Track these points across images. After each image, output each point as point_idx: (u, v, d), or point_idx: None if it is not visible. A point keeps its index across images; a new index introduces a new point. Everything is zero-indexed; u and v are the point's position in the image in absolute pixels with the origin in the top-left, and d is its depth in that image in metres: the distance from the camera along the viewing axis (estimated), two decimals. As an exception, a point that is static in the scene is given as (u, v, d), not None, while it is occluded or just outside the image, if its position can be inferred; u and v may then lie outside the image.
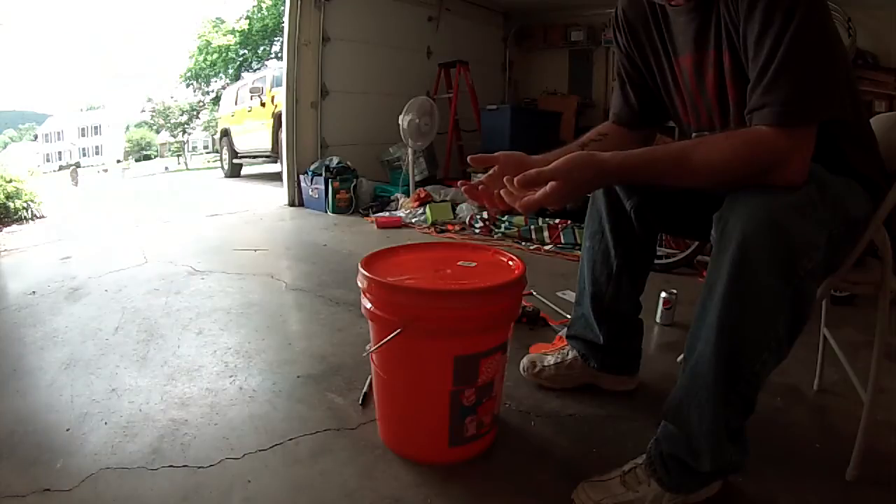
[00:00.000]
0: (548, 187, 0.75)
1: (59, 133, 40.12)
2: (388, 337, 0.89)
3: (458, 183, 0.94)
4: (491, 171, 0.92)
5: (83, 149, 38.82)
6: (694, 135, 0.97)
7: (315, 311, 1.81)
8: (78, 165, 21.03)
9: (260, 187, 5.97)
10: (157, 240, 2.97)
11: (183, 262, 2.39)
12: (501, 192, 0.82)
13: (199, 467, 0.97)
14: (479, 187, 0.89)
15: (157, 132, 33.97)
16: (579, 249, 2.22)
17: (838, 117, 0.72)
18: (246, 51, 18.78)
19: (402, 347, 0.93)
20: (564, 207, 2.92)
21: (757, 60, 0.73)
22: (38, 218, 3.93)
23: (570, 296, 1.91)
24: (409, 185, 3.84)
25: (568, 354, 1.27)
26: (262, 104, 6.35)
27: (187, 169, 20.50)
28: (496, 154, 0.92)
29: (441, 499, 0.91)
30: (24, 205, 3.88)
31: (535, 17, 5.64)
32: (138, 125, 36.73)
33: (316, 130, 4.10)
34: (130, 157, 34.94)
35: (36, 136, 42.82)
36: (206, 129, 29.15)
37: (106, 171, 24.54)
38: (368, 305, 0.95)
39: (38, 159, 35.41)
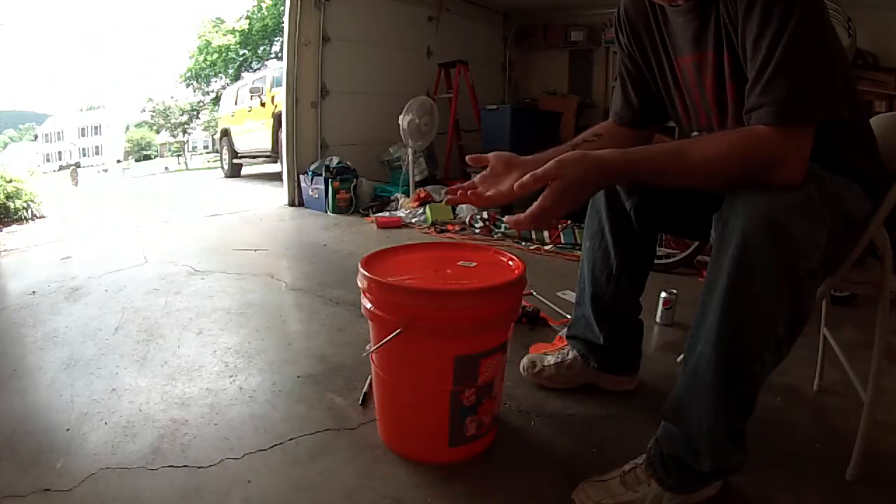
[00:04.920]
0: (546, 190, 0.75)
1: (59, 133, 40.14)
2: (389, 337, 0.89)
3: (444, 191, 0.98)
4: (484, 172, 0.94)
5: (83, 149, 38.85)
6: (694, 134, 0.97)
7: (315, 311, 1.81)
8: (78, 165, 21.03)
9: (260, 187, 5.97)
10: (157, 240, 2.97)
11: (183, 262, 2.39)
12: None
13: (199, 467, 0.97)
14: (458, 192, 0.93)
15: (157, 132, 33.97)
16: (579, 249, 2.22)
17: (836, 117, 0.72)
18: (246, 51, 18.80)
19: (402, 347, 0.93)
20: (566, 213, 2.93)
21: (755, 60, 0.73)
22: (38, 218, 3.93)
23: (570, 296, 1.91)
24: (409, 185, 3.84)
25: (568, 354, 1.27)
26: (262, 104, 6.35)
27: (187, 169, 20.52)
28: (488, 154, 0.95)
29: (441, 499, 0.91)
30: (24, 205, 3.88)
31: (535, 17, 5.64)
32: (138, 125, 36.74)
33: (316, 130, 4.10)
34: (130, 157, 34.97)
35: (36, 136, 42.86)
36: (206, 129, 29.17)
37: (106, 171, 24.58)
38: (368, 305, 0.95)
39: (38, 159, 35.47)
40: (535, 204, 0.76)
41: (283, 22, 4.01)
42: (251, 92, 6.63)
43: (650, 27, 0.97)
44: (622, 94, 1.09)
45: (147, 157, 34.97)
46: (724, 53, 0.83)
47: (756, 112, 0.73)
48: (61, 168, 28.61)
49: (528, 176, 0.76)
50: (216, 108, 15.11)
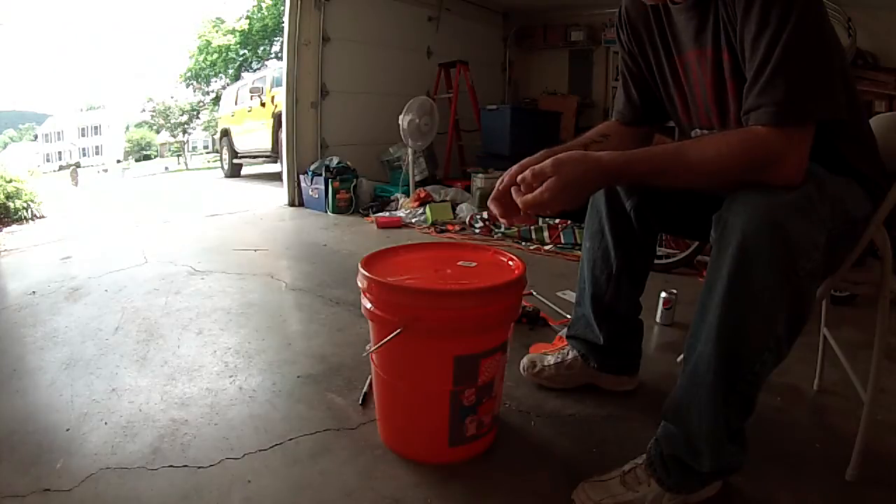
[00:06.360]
0: (543, 185, 0.76)
1: (59, 133, 40.15)
2: (389, 337, 0.89)
3: (489, 204, 0.91)
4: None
5: (83, 149, 38.86)
6: (694, 133, 0.97)
7: (315, 311, 1.81)
8: (78, 165, 20.98)
9: (260, 187, 5.97)
10: (157, 240, 2.97)
11: (183, 262, 2.39)
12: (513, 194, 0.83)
13: (199, 467, 0.97)
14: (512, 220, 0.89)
15: (157, 132, 33.97)
16: (579, 249, 2.22)
17: (834, 118, 0.72)
18: (246, 51, 18.78)
19: (402, 347, 0.93)
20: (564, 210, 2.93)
21: (753, 60, 0.73)
22: (38, 218, 3.92)
23: (570, 296, 1.91)
24: (409, 185, 3.84)
25: (568, 354, 1.27)
26: (262, 104, 6.34)
27: (187, 169, 20.50)
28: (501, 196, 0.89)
29: (441, 499, 0.91)
30: (24, 205, 3.88)
31: (535, 17, 5.64)
32: (138, 125, 36.73)
33: (316, 130, 4.10)
34: (130, 157, 34.98)
35: (36, 136, 42.88)
36: (206, 129, 29.16)
37: (106, 171, 24.57)
38: (368, 305, 0.95)
39: (38, 159, 35.43)
40: (532, 195, 0.78)
41: (283, 22, 4.00)
42: (251, 92, 6.63)
43: (650, 26, 0.97)
44: (624, 92, 1.10)
45: (147, 157, 34.97)
46: (723, 52, 0.83)
47: (755, 112, 0.73)
48: (61, 168, 28.59)
49: (528, 171, 0.78)
50: (216, 108, 15.11)
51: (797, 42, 0.69)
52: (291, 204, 4.11)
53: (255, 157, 6.99)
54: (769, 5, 0.70)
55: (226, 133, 7.59)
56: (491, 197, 0.89)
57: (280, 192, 4.25)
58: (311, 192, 3.90)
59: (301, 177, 4.00)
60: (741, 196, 0.72)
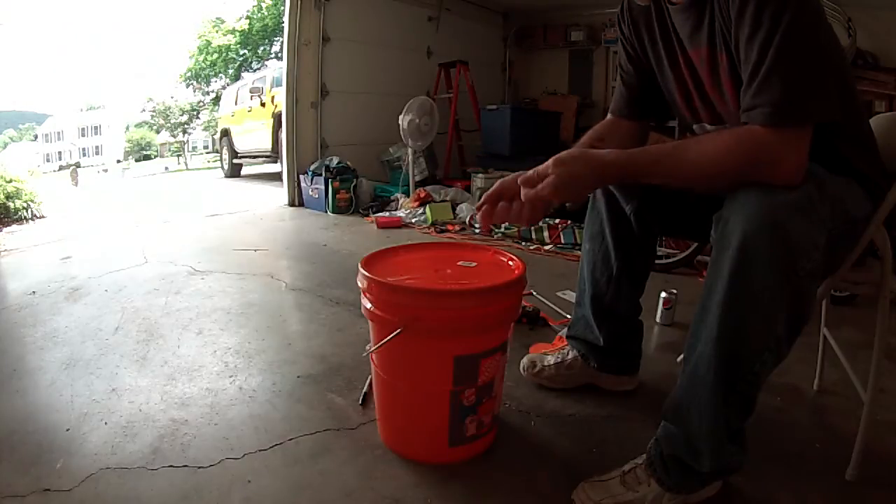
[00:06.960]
0: (543, 182, 0.79)
1: (59, 133, 40.17)
2: (389, 337, 0.89)
3: (474, 217, 0.96)
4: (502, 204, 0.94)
5: (83, 149, 38.87)
6: (694, 127, 0.97)
7: (315, 311, 1.81)
8: (78, 165, 20.95)
9: (260, 187, 5.97)
10: (157, 240, 2.97)
11: (183, 262, 2.39)
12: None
13: (199, 467, 0.97)
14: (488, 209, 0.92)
15: (157, 132, 33.97)
16: (579, 249, 2.22)
17: (830, 118, 0.72)
18: (246, 51, 18.79)
19: (402, 347, 0.93)
20: (564, 206, 2.93)
21: (748, 61, 0.73)
22: (38, 218, 3.92)
23: (570, 296, 1.91)
24: (409, 185, 3.84)
25: (568, 354, 1.27)
26: (262, 104, 6.34)
27: (187, 169, 20.51)
28: (488, 200, 0.92)
29: (441, 499, 0.91)
30: (24, 205, 3.88)
31: (535, 17, 5.64)
32: (138, 125, 36.74)
33: (316, 130, 4.10)
34: (130, 157, 34.99)
35: (36, 136, 42.90)
36: (206, 129, 29.16)
37: (106, 171, 24.56)
38: (368, 305, 0.95)
39: (38, 159, 35.42)
40: (534, 190, 0.80)
41: (283, 22, 4.00)
42: (251, 92, 6.63)
43: (651, 23, 0.97)
44: (621, 82, 1.10)
45: (147, 157, 34.99)
46: (719, 53, 0.83)
47: (750, 113, 0.73)
48: (61, 168, 28.58)
49: (531, 171, 0.81)
50: (216, 108, 15.11)
51: (791, 42, 0.69)
52: (291, 204, 4.11)
53: (255, 157, 6.99)
54: (762, 6, 0.70)
55: (226, 133, 7.59)
56: (476, 206, 0.94)
57: (280, 192, 4.25)
58: (311, 192, 3.90)
59: (301, 177, 4.00)
60: (741, 196, 0.72)
